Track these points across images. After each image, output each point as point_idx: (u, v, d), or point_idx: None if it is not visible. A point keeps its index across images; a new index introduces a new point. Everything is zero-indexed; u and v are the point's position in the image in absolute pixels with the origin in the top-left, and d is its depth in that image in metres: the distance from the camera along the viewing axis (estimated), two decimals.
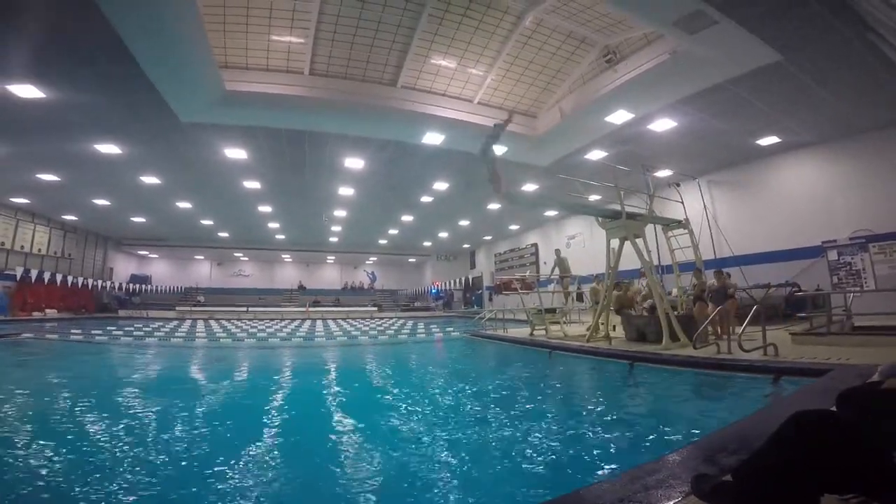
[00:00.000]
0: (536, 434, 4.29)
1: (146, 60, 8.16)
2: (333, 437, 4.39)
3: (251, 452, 3.85)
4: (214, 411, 5.50)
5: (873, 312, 7.83)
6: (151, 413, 5.32)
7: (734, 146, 12.72)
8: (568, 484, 2.94)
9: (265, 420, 5.01)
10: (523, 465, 3.54)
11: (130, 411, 5.40)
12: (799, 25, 7.01)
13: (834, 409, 1.98)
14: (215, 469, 3.40)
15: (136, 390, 6.62)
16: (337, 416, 5.30)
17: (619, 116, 10.90)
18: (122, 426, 4.64)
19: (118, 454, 3.77)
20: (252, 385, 7.33)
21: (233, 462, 3.57)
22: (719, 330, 8.31)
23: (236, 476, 3.30)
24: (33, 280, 21.18)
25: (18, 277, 20.52)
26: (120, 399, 6.04)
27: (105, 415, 5.17)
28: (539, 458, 3.66)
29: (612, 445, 3.94)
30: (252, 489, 3.10)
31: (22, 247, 21.07)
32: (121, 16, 6.93)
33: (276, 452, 3.90)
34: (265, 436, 4.37)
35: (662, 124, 11.20)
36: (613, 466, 3.37)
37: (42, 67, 8.25)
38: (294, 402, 6.19)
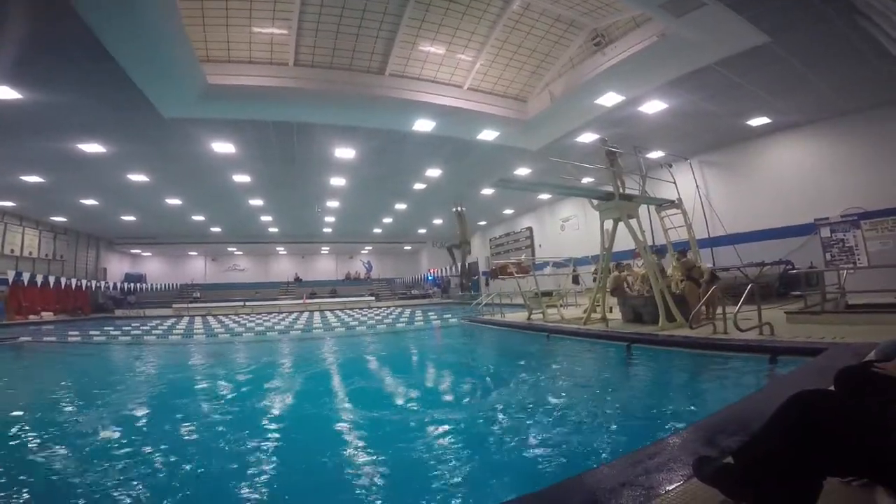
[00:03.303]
0: (536, 418, 4.33)
1: (125, 58, 7.97)
2: (339, 425, 4.41)
3: (281, 439, 3.91)
4: (224, 408, 5.49)
5: (867, 290, 7.90)
6: (159, 412, 5.32)
7: (725, 127, 12.73)
8: (570, 467, 2.97)
9: (279, 413, 5.03)
10: (524, 450, 3.57)
11: (136, 411, 5.40)
12: (787, 8, 6.97)
13: (832, 388, 1.98)
14: (227, 465, 3.41)
15: (140, 391, 6.63)
16: (342, 405, 5.31)
17: (610, 99, 10.83)
18: (129, 426, 4.63)
19: (130, 452, 3.77)
20: (260, 378, 7.29)
21: (254, 452, 3.59)
22: (706, 311, 8.30)
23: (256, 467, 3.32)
24: (26, 283, 20.96)
25: (11, 281, 20.30)
26: (126, 400, 6.04)
27: (111, 415, 5.15)
28: (540, 443, 3.69)
29: (613, 428, 3.98)
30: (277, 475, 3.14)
31: (12, 250, 20.79)
32: (96, 15, 6.75)
33: (291, 443, 3.93)
34: (281, 427, 4.39)
35: (653, 106, 11.15)
36: (616, 449, 3.40)
37: (17, 68, 8.01)
38: (301, 393, 6.20)
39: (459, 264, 13.42)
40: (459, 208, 12.34)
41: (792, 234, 12.52)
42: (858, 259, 10.44)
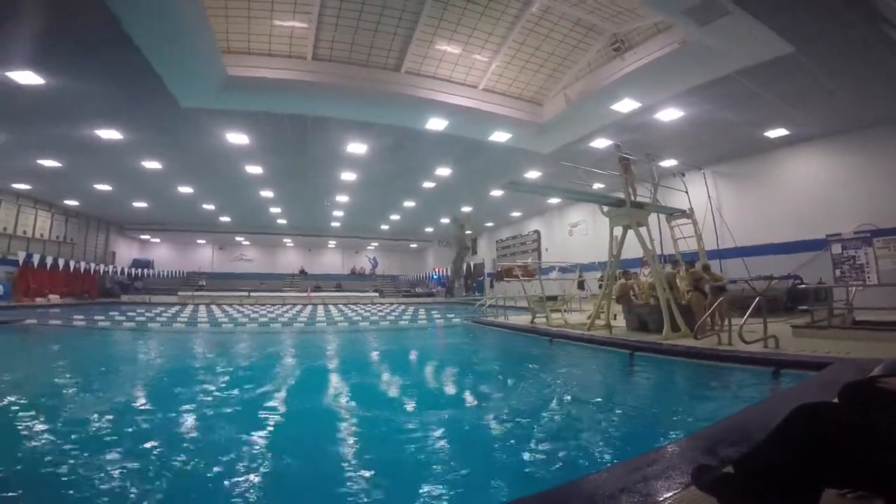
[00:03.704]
0: (536, 422, 4.33)
1: (147, 47, 8.09)
2: (336, 421, 4.44)
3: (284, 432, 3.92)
4: (222, 399, 5.54)
5: (875, 307, 7.82)
6: (155, 401, 5.38)
7: (741, 137, 12.65)
8: (569, 472, 2.98)
9: (277, 406, 5.07)
10: (522, 453, 3.57)
11: (131, 400, 5.47)
12: (813, 17, 6.90)
13: (836, 401, 1.98)
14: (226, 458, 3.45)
15: (139, 379, 6.69)
16: (340, 401, 5.35)
17: (626, 105, 10.81)
18: (123, 413, 4.69)
19: (120, 440, 3.82)
20: (261, 370, 7.34)
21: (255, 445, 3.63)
22: (711, 322, 8.26)
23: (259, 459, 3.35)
24: (36, 265, 21.20)
25: (21, 263, 20.54)
26: (123, 388, 6.12)
27: (107, 403, 5.22)
28: (539, 446, 3.69)
29: (612, 435, 3.98)
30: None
31: (24, 232, 21.10)
32: (122, 2, 6.85)
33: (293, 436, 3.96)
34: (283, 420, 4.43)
35: (669, 114, 11.11)
36: (615, 456, 3.40)
37: (41, 54, 8.18)
38: (300, 387, 6.24)
39: (459, 268, 13.57)
40: (459, 221, 12.58)
41: (802, 248, 12.42)
42: (868, 276, 10.33)
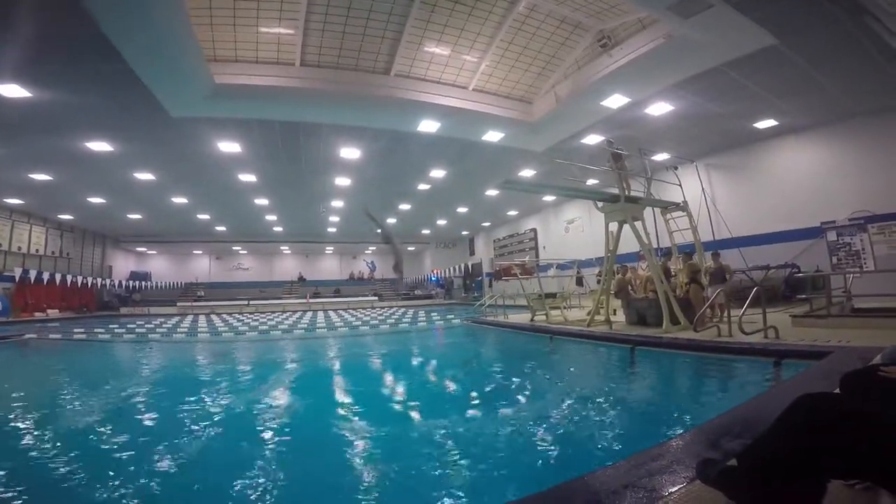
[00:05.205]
0: (540, 420, 4.31)
1: (133, 58, 8.04)
2: (341, 426, 4.42)
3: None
4: (226, 407, 5.51)
5: (873, 294, 7.83)
6: (160, 411, 5.34)
7: (731, 129, 12.68)
8: (573, 469, 2.96)
9: (281, 413, 5.05)
10: (527, 451, 3.57)
11: (137, 411, 5.43)
12: (795, 9, 6.94)
13: (837, 391, 1.97)
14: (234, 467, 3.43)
15: (142, 390, 6.64)
16: (344, 406, 5.33)
17: (615, 101, 10.82)
18: (127, 425, 4.66)
19: (125, 450, 3.79)
20: (263, 378, 7.31)
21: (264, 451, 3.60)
22: (709, 313, 8.27)
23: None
24: (33, 280, 21.10)
25: (17, 278, 20.44)
26: (126, 400, 6.07)
27: (113, 415, 5.18)
28: (543, 444, 3.69)
29: (617, 430, 3.97)
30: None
31: (19, 247, 20.98)
32: (107, 14, 6.81)
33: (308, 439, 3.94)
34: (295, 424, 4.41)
35: (659, 108, 11.13)
36: (620, 451, 3.39)
37: (27, 67, 8.11)
38: (303, 393, 6.21)
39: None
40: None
41: (798, 237, 12.45)
42: (865, 263, 10.36)
